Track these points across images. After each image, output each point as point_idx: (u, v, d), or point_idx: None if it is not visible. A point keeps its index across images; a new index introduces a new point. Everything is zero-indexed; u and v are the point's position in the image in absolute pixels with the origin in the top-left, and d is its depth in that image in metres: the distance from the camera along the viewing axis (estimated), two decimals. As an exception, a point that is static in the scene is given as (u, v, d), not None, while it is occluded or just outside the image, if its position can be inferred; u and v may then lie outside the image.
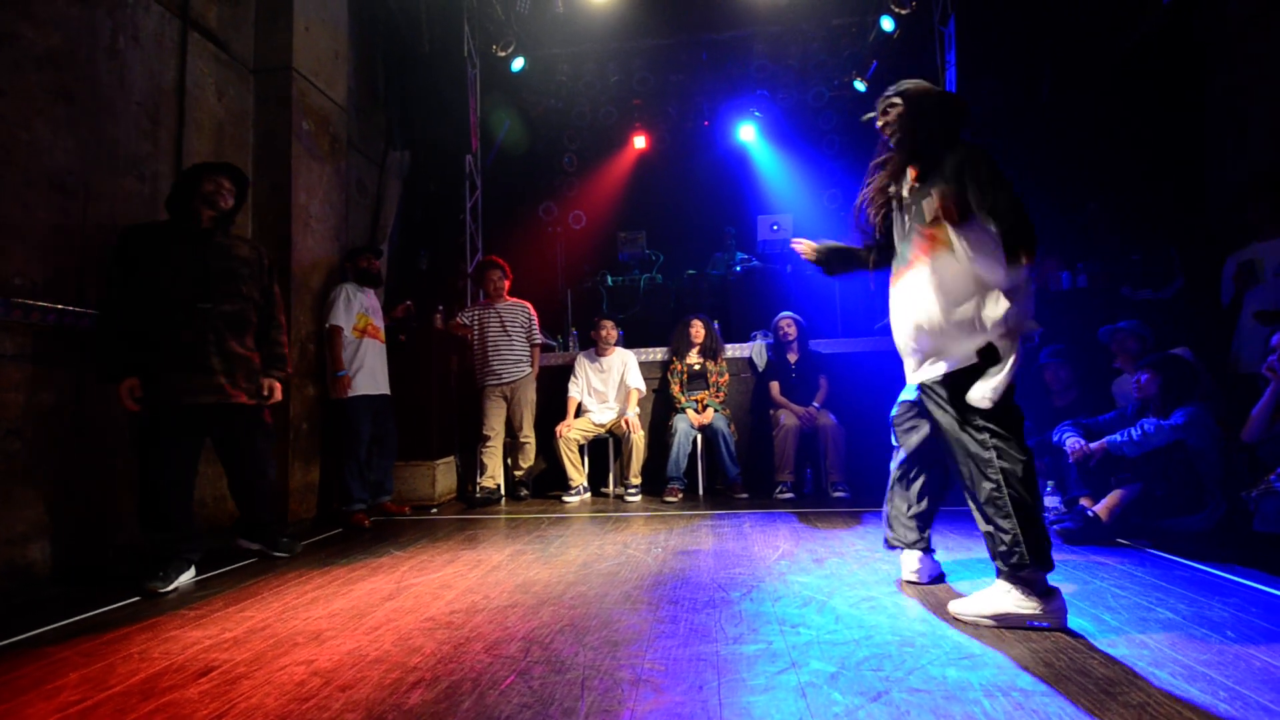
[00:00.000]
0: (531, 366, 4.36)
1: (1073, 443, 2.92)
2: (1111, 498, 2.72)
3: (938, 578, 2.15)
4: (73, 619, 2.02)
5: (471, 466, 4.43)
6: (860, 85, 5.85)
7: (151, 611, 2.09)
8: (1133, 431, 2.71)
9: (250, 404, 2.61)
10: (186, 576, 2.42)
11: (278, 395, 2.73)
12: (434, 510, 4.04)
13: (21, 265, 2.38)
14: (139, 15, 2.92)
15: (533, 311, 4.40)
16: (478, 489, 4.21)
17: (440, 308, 4.68)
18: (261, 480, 2.72)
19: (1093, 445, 2.83)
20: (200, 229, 2.53)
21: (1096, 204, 4.63)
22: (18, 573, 2.33)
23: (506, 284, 4.39)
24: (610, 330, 4.47)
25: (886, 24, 5.27)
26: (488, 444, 4.22)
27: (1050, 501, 3.02)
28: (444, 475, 4.38)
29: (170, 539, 2.39)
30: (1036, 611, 1.70)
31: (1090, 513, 2.70)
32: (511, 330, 4.29)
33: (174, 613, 2.07)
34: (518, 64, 5.81)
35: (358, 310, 3.69)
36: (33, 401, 2.41)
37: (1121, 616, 1.77)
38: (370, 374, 3.70)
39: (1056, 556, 2.43)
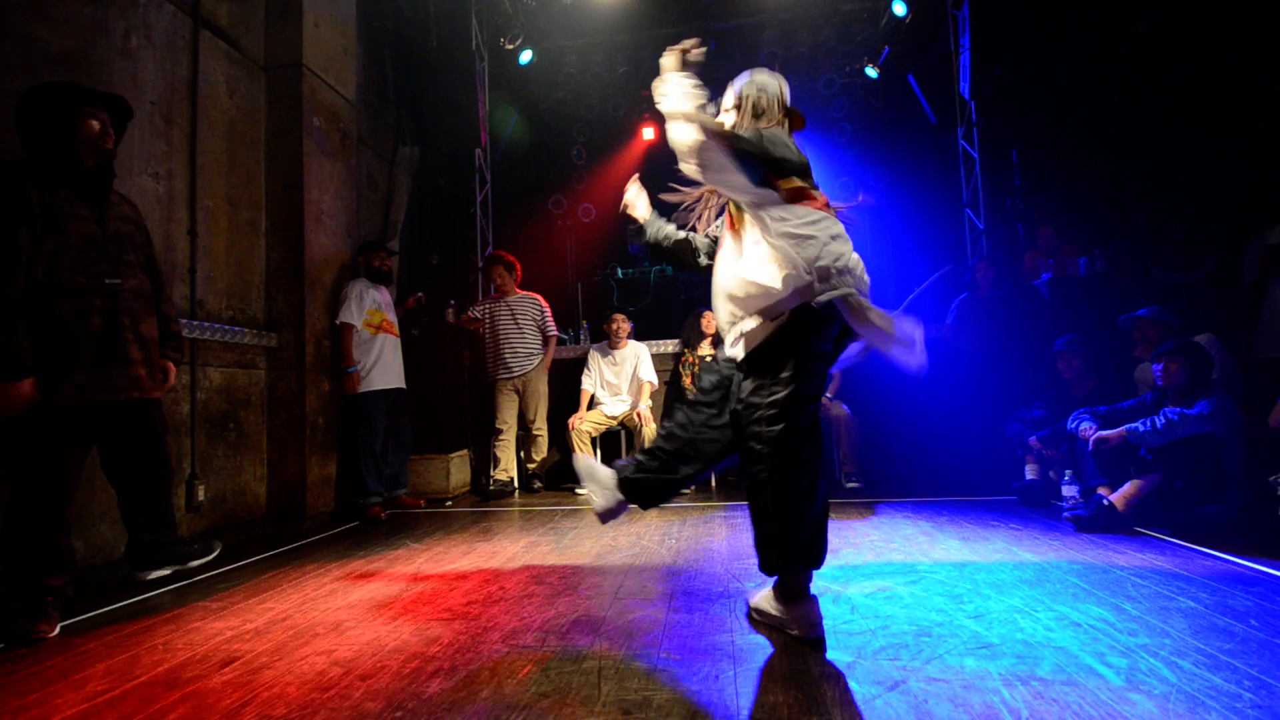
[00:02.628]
0: (544, 359, 4.37)
1: (1086, 429, 2.89)
2: (1130, 487, 2.68)
3: None
4: (96, 611, 2.06)
5: (485, 460, 4.46)
6: (872, 72, 5.78)
7: (174, 603, 2.13)
8: (1156, 420, 2.66)
9: (159, 397, 2.18)
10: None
11: (172, 380, 2.30)
12: (449, 503, 4.07)
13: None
14: (151, 15, 2.94)
15: (545, 304, 4.41)
16: (491, 482, 4.24)
17: (452, 302, 4.70)
18: (170, 485, 2.23)
19: (1110, 432, 2.79)
20: (93, 182, 1.99)
21: (1123, 191, 4.55)
22: None
23: (515, 277, 4.40)
24: (622, 324, 4.47)
25: (899, 9, 5.19)
26: (500, 437, 4.25)
27: (1067, 491, 2.99)
28: (458, 468, 4.42)
29: (35, 567, 1.87)
30: (782, 616, 1.64)
31: (1106, 501, 2.67)
32: (522, 323, 4.31)
33: (196, 604, 2.10)
34: (525, 57, 5.79)
35: (369, 306, 3.72)
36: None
37: (1142, 605, 1.75)
38: (386, 369, 3.74)
39: (1072, 544, 2.40)
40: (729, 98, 1.89)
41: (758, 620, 1.73)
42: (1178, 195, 4.28)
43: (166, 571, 2.25)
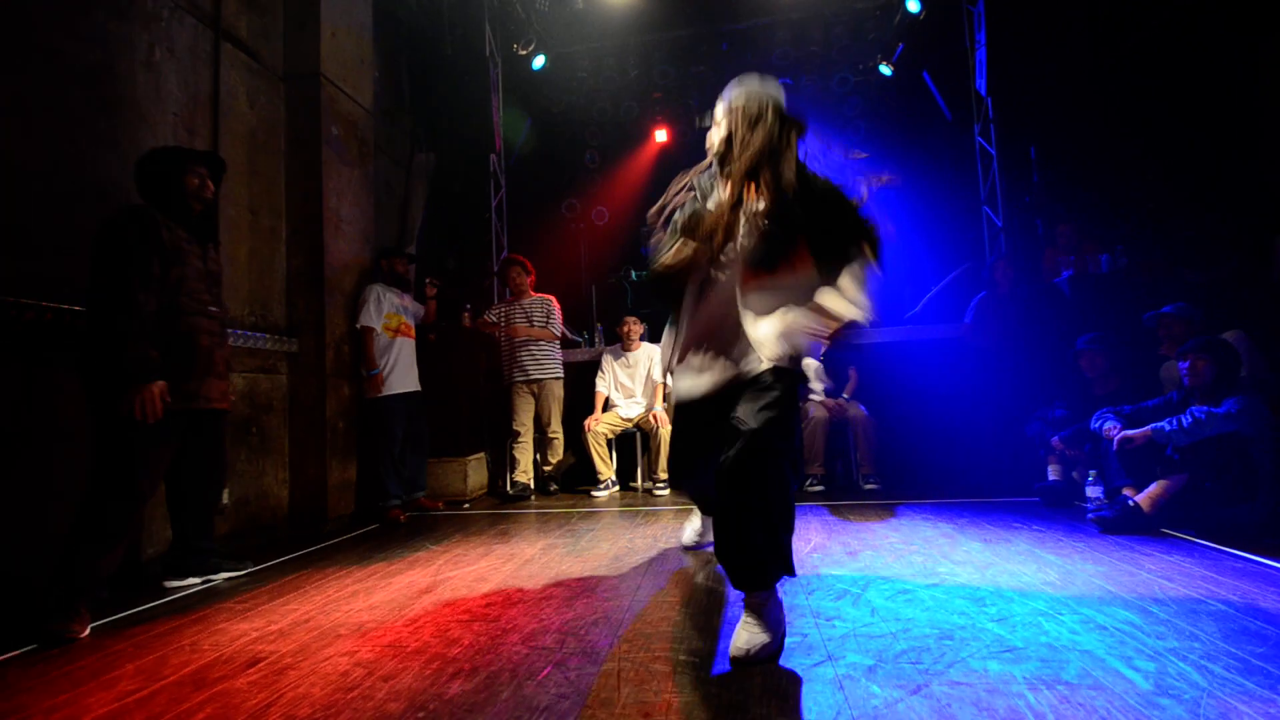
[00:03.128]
0: (556, 363, 4.38)
1: (1110, 428, 2.84)
2: (1156, 488, 2.63)
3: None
4: (126, 612, 2.11)
5: (501, 462, 4.49)
6: (886, 69, 5.73)
7: (200, 604, 2.17)
8: (1183, 419, 2.61)
9: (227, 411, 2.47)
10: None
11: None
12: (466, 505, 4.10)
13: (73, 273, 2.48)
14: (174, 28, 3.00)
15: (556, 304, 4.41)
16: (510, 485, 4.27)
17: (468, 306, 4.74)
18: (220, 497, 2.53)
19: (1135, 431, 2.73)
20: (199, 227, 2.38)
21: (1145, 187, 4.46)
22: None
23: (529, 280, 4.42)
24: (634, 327, 4.48)
25: (913, 5, 5.15)
26: (519, 440, 4.27)
27: (1092, 492, 2.94)
28: (475, 471, 4.45)
29: (93, 557, 1.98)
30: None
31: (1131, 502, 2.62)
32: (537, 326, 4.34)
33: (222, 605, 2.14)
34: (539, 62, 5.83)
35: (388, 310, 3.77)
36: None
37: (1170, 608, 1.71)
38: (404, 372, 3.79)
39: (1097, 546, 2.36)
40: (719, 110, 1.79)
41: None
42: (1202, 189, 4.19)
43: (195, 582, 2.44)
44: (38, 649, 1.80)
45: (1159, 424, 2.67)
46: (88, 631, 1.92)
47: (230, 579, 2.49)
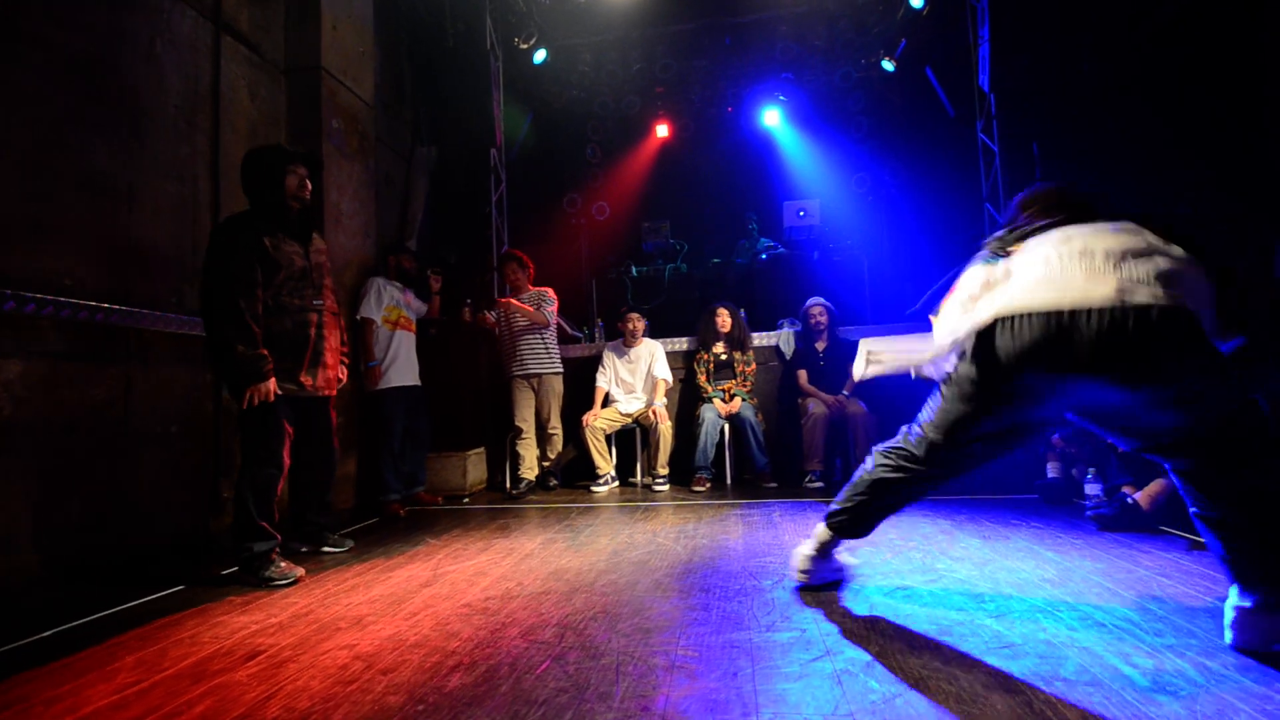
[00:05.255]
0: (556, 357, 4.35)
1: None
2: (1154, 485, 2.63)
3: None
4: (125, 605, 2.11)
5: (501, 457, 4.49)
6: (889, 65, 5.71)
7: (201, 597, 2.17)
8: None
9: (333, 397, 2.70)
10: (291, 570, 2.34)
11: (345, 379, 2.83)
12: (466, 500, 4.11)
13: (70, 265, 2.48)
14: (174, 20, 2.99)
15: (552, 294, 4.33)
16: (513, 482, 4.26)
17: (468, 300, 4.73)
18: (331, 472, 2.77)
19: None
20: (301, 225, 2.53)
21: (1148, 185, 4.45)
22: (68, 563, 2.44)
23: (527, 275, 4.39)
24: (637, 322, 4.47)
25: (915, 0, 5.12)
26: (521, 436, 4.25)
27: (1091, 489, 2.94)
28: (475, 466, 4.45)
29: (271, 517, 2.38)
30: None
31: (1130, 499, 2.62)
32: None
33: (222, 598, 2.14)
34: (540, 56, 5.80)
35: (388, 303, 3.76)
36: (85, 397, 2.51)
37: (1168, 606, 1.72)
38: (404, 366, 3.78)
39: (1095, 544, 2.37)
40: None
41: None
42: (1204, 188, 4.17)
43: (304, 549, 2.73)
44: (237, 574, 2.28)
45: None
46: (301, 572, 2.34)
47: (331, 553, 2.74)
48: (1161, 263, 1.38)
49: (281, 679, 1.48)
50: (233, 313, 2.26)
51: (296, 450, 2.55)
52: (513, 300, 4.21)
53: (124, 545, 2.63)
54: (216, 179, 3.17)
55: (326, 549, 2.76)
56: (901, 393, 4.31)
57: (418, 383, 3.89)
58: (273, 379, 2.33)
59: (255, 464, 2.35)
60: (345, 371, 2.80)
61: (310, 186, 2.54)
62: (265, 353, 2.31)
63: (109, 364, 2.60)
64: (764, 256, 5.88)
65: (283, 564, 2.33)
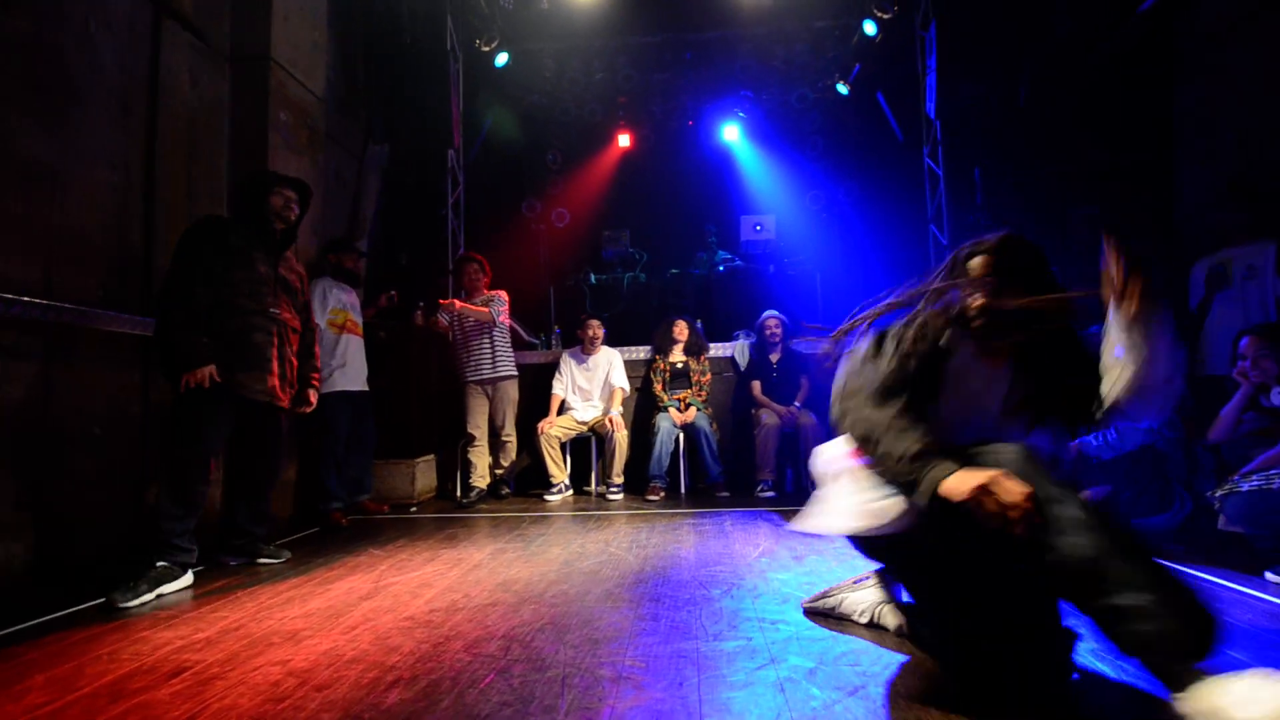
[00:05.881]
0: (511, 363, 4.29)
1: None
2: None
3: None
4: (40, 619, 1.97)
5: (452, 465, 4.40)
6: (843, 88, 5.90)
7: (121, 612, 2.04)
8: (1107, 434, 2.77)
9: (285, 408, 2.69)
10: (177, 585, 2.28)
11: (312, 405, 2.87)
12: (413, 509, 4.00)
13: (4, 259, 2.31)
14: (110, 1, 2.84)
15: (504, 296, 4.26)
16: (463, 490, 4.17)
17: (421, 304, 4.63)
18: (270, 484, 2.78)
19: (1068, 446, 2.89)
20: (275, 239, 2.65)
21: (1078, 211, 4.73)
22: (-20, 572, 2.26)
23: (485, 279, 4.34)
24: (597, 329, 4.47)
25: (869, 28, 5.33)
26: (474, 443, 4.17)
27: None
28: (424, 474, 4.34)
29: (170, 532, 2.30)
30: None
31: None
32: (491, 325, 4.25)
33: (145, 612, 2.02)
34: (501, 59, 5.76)
35: (334, 305, 3.64)
36: (1, 395, 2.33)
37: (1091, 612, 1.81)
38: (350, 371, 3.66)
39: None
40: None
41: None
42: (1129, 215, 4.47)
43: (237, 562, 2.65)
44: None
45: (1086, 439, 2.83)
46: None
47: (266, 564, 2.65)
48: None
49: (208, 697, 1.41)
50: (183, 297, 2.35)
51: (236, 453, 2.55)
52: (456, 300, 4.13)
53: (40, 555, 2.44)
54: (151, 167, 3.01)
55: (262, 560, 2.66)
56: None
57: (365, 388, 3.78)
58: (210, 366, 2.34)
59: (178, 457, 2.35)
60: (313, 395, 2.85)
61: (297, 211, 2.69)
62: (205, 340, 2.36)
63: (25, 360, 2.43)
64: (721, 269, 5.97)
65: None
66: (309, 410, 2.87)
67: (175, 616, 1.98)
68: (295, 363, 2.75)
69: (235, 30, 3.55)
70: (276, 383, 2.59)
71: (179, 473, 2.36)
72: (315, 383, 2.89)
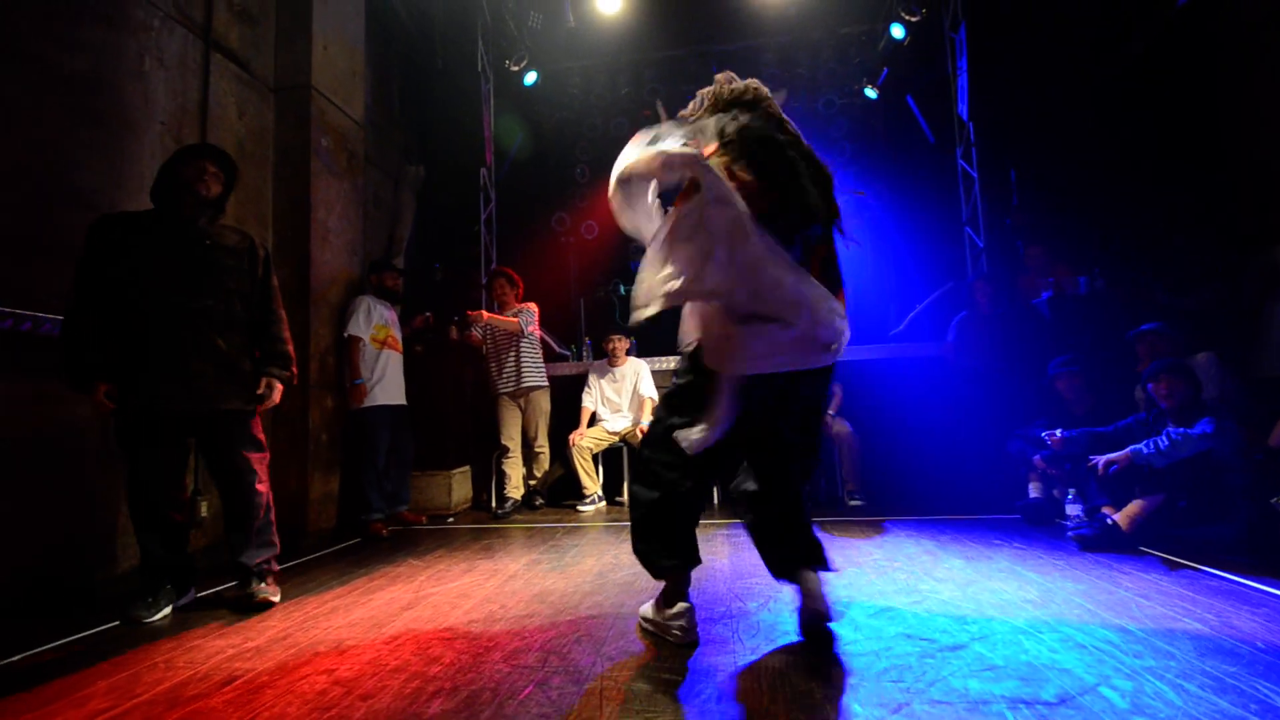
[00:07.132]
0: (541, 373, 4.34)
1: (1094, 459, 2.88)
2: (1133, 506, 2.68)
3: None
4: (101, 627, 2.06)
5: (486, 476, 4.46)
6: (871, 93, 5.85)
7: (176, 621, 2.12)
8: (1159, 441, 2.66)
9: (237, 410, 2.27)
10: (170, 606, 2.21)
11: (276, 397, 2.36)
12: (450, 520, 4.06)
13: (61, 285, 2.44)
14: (164, 38, 3.00)
15: (534, 308, 4.35)
16: (499, 501, 4.22)
17: (455, 319, 4.72)
18: (245, 500, 2.29)
19: (1116, 455, 2.78)
20: (180, 217, 2.23)
21: (1128, 208, 4.58)
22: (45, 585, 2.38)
23: (517, 292, 4.41)
24: (619, 344, 4.50)
25: (897, 31, 5.27)
26: (508, 455, 4.22)
27: (1072, 510, 2.98)
28: (460, 485, 4.41)
29: (161, 556, 2.22)
30: (656, 620, 1.79)
31: (1110, 520, 2.66)
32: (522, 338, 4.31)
33: (198, 621, 2.09)
34: (530, 78, 5.88)
35: (376, 321, 3.75)
36: (46, 413, 2.45)
37: (1147, 627, 1.74)
38: (389, 385, 3.76)
39: (1076, 564, 2.39)
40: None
41: (647, 628, 1.85)
42: (1177, 215, 4.30)
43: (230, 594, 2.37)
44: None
45: (1138, 446, 2.72)
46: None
47: (260, 604, 2.26)
48: None
49: (258, 705, 1.45)
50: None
51: (211, 478, 2.35)
52: (484, 312, 4.21)
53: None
54: (226, 186, 3.14)
55: (254, 592, 2.26)
56: (886, 413, 4.37)
57: (404, 402, 3.87)
58: (102, 386, 2.08)
59: (127, 482, 2.20)
60: (277, 391, 2.36)
61: (216, 186, 2.28)
62: (94, 360, 2.09)
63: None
64: (750, 277, 5.93)
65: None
66: (270, 405, 2.36)
67: (227, 626, 2.05)
68: (238, 354, 2.28)
69: (278, 61, 3.71)
70: (206, 384, 2.19)
71: (130, 499, 2.22)
72: (276, 371, 2.37)
